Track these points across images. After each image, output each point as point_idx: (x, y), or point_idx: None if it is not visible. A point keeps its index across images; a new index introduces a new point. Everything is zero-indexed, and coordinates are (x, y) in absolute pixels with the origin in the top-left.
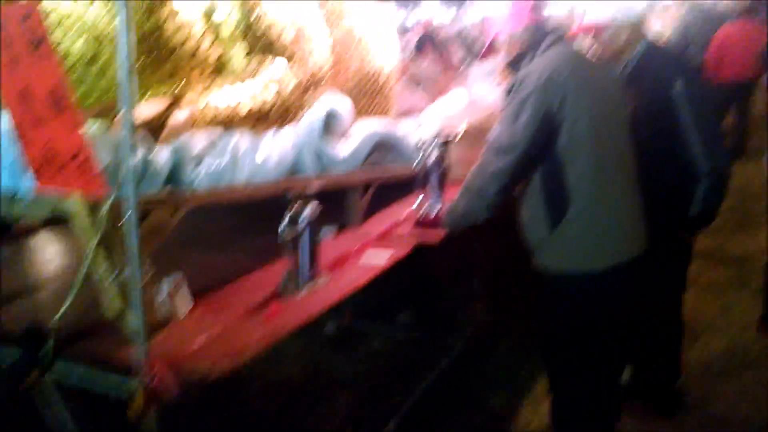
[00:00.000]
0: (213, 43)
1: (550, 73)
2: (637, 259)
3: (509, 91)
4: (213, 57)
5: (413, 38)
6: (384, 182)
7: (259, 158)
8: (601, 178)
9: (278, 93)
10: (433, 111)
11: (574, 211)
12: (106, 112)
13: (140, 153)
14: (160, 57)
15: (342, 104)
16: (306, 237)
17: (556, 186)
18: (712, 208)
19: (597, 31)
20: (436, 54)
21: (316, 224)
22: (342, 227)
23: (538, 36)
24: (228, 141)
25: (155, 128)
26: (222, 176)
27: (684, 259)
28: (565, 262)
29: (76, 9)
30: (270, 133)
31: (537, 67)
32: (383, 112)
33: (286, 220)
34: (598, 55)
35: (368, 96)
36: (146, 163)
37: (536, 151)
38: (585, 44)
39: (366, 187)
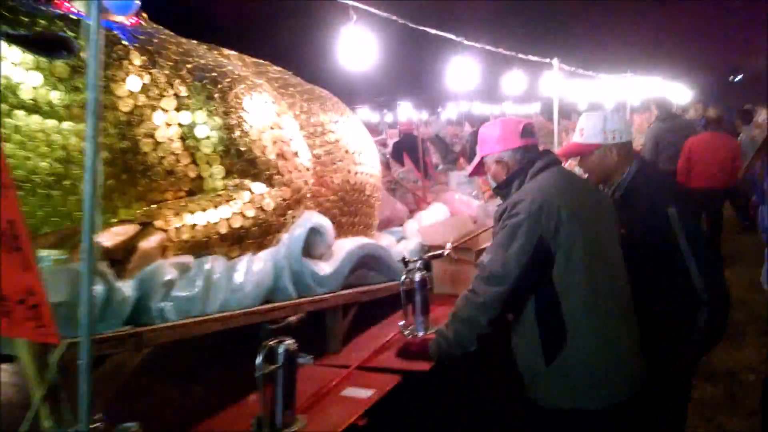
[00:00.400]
0: (190, 162)
1: (542, 199)
2: (635, 398)
3: (500, 217)
4: (190, 177)
5: (389, 143)
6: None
7: (236, 280)
8: (597, 310)
9: (257, 214)
10: (415, 225)
11: (570, 346)
12: (69, 238)
13: (102, 287)
14: (133, 177)
15: (323, 221)
16: (282, 377)
17: (552, 318)
18: (714, 336)
19: (587, 151)
20: (413, 159)
21: (293, 360)
22: (321, 353)
23: (528, 159)
24: (201, 266)
25: (123, 254)
26: (193, 305)
27: (686, 387)
28: (561, 399)
29: (44, 125)
30: (247, 256)
31: (529, 192)
32: (367, 224)
33: (261, 356)
34: (589, 177)
35: (352, 208)
36: (108, 298)
37: (529, 280)
38: (575, 166)
39: (346, 306)
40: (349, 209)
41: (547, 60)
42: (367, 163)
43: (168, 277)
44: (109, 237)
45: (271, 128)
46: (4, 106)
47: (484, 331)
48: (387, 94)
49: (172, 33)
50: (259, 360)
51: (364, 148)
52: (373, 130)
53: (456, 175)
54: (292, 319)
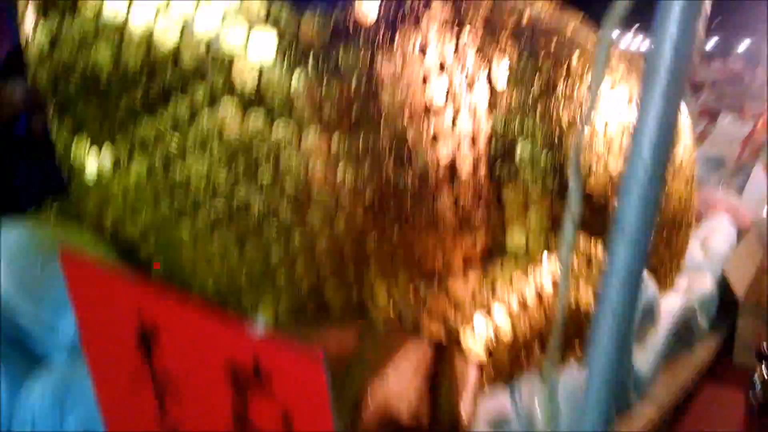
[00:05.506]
0: (492, 204)
1: None
2: None
3: None
4: (487, 230)
5: None
6: None
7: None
8: None
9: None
10: (697, 250)
11: None
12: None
13: None
14: (399, 231)
15: (651, 284)
16: None
17: None
18: None
19: None
20: None
21: None
22: None
23: None
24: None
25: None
26: None
27: None
28: None
29: (261, 130)
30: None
31: None
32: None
33: None
34: None
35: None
36: None
37: None
38: None
39: None
40: (668, 247)
41: None
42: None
43: None
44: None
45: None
46: (201, 90)
47: None
48: None
49: None
50: None
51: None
52: None
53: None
54: None
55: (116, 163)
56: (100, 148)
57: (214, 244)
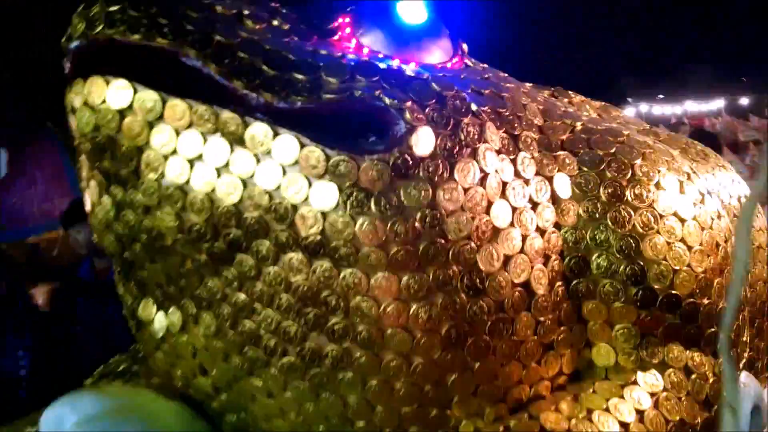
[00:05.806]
0: (575, 322)
1: None
2: None
3: None
4: (571, 352)
5: None
6: None
7: None
8: None
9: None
10: None
11: None
12: None
13: None
14: (488, 361)
15: (756, 385)
16: None
17: None
18: None
19: None
20: None
21: None
22: None
23: None
24: None
25: None
26: None
27: None
28: None
29: (335, 279)
30: None
31: None
32: None
33: None
34: None
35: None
36: None
37: None
38: None
39: None
40: (761, 338)
41: None
42: None
43: None
44: None
45: (717, 246)
46: (266, 244)
47: None
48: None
49: (505, 74)
50: None
51: None
52: None
53: None
54: None
55: (184, 321)
56: (167, 308)
57: (289, 395)
